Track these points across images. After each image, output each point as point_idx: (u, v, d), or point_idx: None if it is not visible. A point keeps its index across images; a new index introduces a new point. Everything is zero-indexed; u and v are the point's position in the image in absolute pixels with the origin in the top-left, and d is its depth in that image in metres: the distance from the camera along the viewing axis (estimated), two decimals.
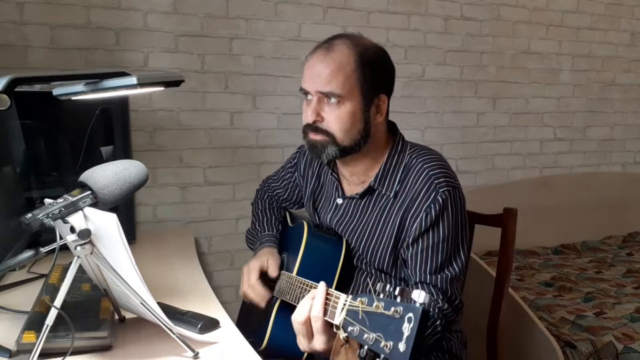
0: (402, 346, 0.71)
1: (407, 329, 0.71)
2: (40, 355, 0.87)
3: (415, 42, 2.47)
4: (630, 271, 2.44)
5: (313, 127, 1.20)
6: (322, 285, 0.92)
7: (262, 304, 1.29)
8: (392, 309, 0.74)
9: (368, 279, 1.30)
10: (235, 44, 2.14)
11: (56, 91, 1.13)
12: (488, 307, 1.55)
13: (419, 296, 0.73)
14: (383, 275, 1.27)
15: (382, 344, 0.73)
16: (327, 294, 0.91)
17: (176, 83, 0.99)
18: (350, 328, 0.80)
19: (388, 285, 0.78)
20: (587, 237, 2.88)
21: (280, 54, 2.20)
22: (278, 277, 1.30)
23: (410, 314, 0.71)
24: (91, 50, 1.94)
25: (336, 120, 1.18)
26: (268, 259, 1.32)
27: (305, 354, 1.20)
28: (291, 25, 2.22)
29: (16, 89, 0.96)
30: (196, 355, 0.95)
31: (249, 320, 1.44)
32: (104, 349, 0.97)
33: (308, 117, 1.20)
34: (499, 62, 2.67)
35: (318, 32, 2.19)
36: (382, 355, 0.73)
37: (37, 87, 1.48)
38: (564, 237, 2.83)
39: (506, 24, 2.66)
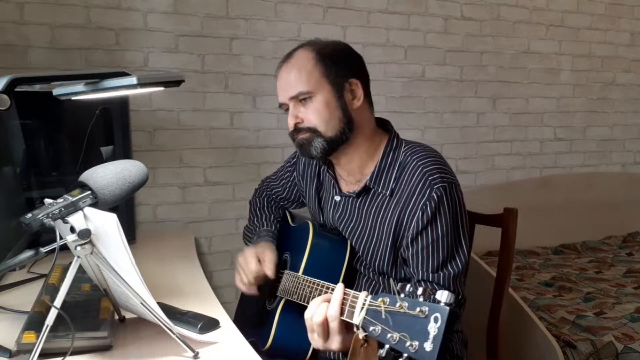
0: (428, 346, 0.71)
1: (433, 328, 0.72)
2: (40, 355, 0.87)
3: (415, 42, 2.47)
4: (630, 271, 2.44)
5: (297, 130, 1.24)
6: (340, 285, 0.93)
7: (271, 275, 1.28)
8: (418, 309, 0.74)
9: (369, 282, 1.30)
10: (235, 44, 2.14)
11: (56, 91, 1.13)
12: (488, 307, 1.55)
13: (442, 296, 0.73)
14: (382, 277, 1.27)
15: (408, 343, 0.74)
16: (344, 293, 0.91)
17: (176, 83, 0.99)
18: (371, 328, 0.80)
19: (408, 285, 0.78)
20: (587, 237, 2.88)
21: (281, 54, 2.15)
22: (280, 276, 1.29)
23: (437, 314, 0.72)
24: (91, 50, 1.94)
25: (313, 114, 1.21)
26: (265, 252, 1.31)
27: (309, 354, 1.20)
28: (291, 26, 2.22)
29: (16, 89, 0.96)
30: (196, 355, 0.95)
31: (248, 318, 1.43)
32: (104, 349, 0.97)
33: (290, 124, 1.24)
34: (499, 62, 2.67)
35: (318, 32, 2.19)
36: (406, 355, 0.73)
37: (37, 87, 1.48)
38: (564, 237, 2.83)
39: (506, 24, 2.66)
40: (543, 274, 2.38)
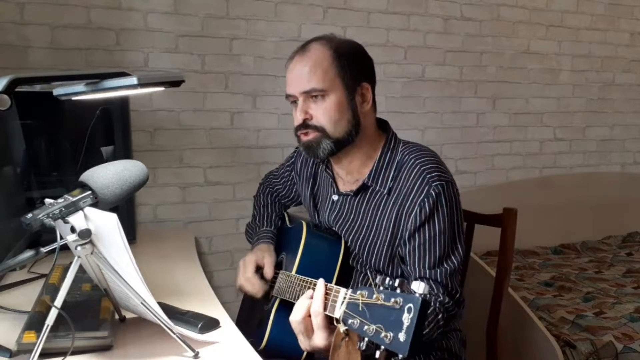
0: (402, 336, 0.72)
1: (407, 319, 0.72)
2: (41, 355, 0.87)
3: (415, 42, 2.47)
4: (630, 271, 2.44)
5: (304, 126, 1.23)
6: (321, 281, 0.93)
7: (259, 295, 1.31)
8: (392, 300, 0.75)
9: (366, 280, 1.30)
10: (235, 44, 2.14)
11: (57, 91, 1.13)
12: (488, 307, 1.56)
13: (419, 287, 0.74)
14: (379, 275, 1.27)
15: (383, 334, 0.74)
16: (327, 289, 0.91)
17: (176, 83, 0.99)
18: (350, 321, 0.81)
19: (388, 279, 0.79)
20: (587, 237, 2.88)
21: (281, 55, 2.20)
22: (275, 276, 1.30)
23: (410, 304, 0.72)
24: (91, 50, 1.94)
25: (324, 113, 1.21)
26: (264, 257, 1.34)
27: (305, 354, 1.20)
28: (291, 26, 2.22)
29: (17, 89, 0.96)
30: (196, 355, 0.96)
31: (249, 320, 1.44)
32: (104, 348, 0.97)
33: (297, 118, 1.24)
34: (499, 62, 2.67)
35: (318, 33, 2.16)
36: (383, 347, 0.74)
37: (37, 87, 1.48)
38: (564, 237, 2.83)
39: (506, 24, 2.67)
40: (543, 274, 2.38)
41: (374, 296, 0.78)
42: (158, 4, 2.02)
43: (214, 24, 2.10)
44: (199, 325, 1.05)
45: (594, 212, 2.88)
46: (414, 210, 1.18)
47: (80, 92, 1.06)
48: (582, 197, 2.86)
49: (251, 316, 1.45)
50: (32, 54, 1.87)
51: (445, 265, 1.17)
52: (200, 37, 2.09)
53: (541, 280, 2.30)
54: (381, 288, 0.78)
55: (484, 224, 1.60)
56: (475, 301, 1.59)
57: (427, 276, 1.16)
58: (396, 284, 0.77)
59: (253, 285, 1.31)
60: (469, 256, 1.70)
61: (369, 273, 1.29)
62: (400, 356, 0.73)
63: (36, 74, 1.33)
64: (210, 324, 1.08)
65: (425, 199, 1.17)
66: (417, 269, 1.17)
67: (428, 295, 0.74)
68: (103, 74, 1.02)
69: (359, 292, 0.81)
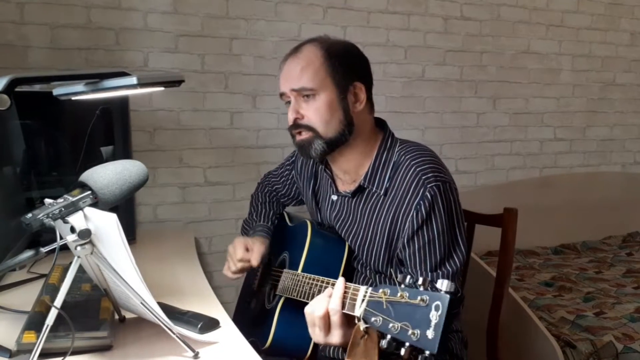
0: (430, 333, 0.73)
1: (434, 316, 0.73)
2: (41, 355, 0.87)
3: (415, 42, 2.47)
4: (630, 271, 2.44)
5: (295, 126, 1.24)
6: (341, 279, 0.93)
7: (255, 263, 1.31)
8: (419, 297, 0.76)
9: (366, 280, 1.30)
10: (235, 44, 2.14)
11: (56, 91, 1.13)
12: (488, 307, 1.56)
13: (443, 284, 0.74)
14: (379, 276, 1.27)
15: (410, 332, 0.75)
16: (345, 287, 0.91)
17: (176, 83, 0.99)
18: (373, 319, 0.81)
19: (408, 277, 0.79)
20: (587, 237, 2.88)
21: (281, 54, 2.16)
22: (278, 275, 1.30)
23: (438, 302, 0.73)
24: (91, 50, 1.94)
25: (314, 113, 1.21)
26: (255, 243, 1.34)
27: (309, 352, 1.21)
28: (291, 26, 2.22)
29: (16, 89, 0.96)
30: (196, 355, 0.95)
31: (246, 319, 1.44)
32: (104, 349, 0.97)
33: (289, 118, 1.24)
34: (499, 62, 2.67)
35: (318, 32, 2.16)
36: (408, 344, 0.75)
37: (37, 87, 1.48)
38: (564, 237, 2.83)
39: (506, 24, 2.66)
40: (543, 274, 2.38)
41: (398, 294, 0.78)
42: (158, 3, 2.01)
43: (214, 24, 2.10)
44: (199, 326, 1.05)
45: (594, 212, 2.88)
46: (411, 213, 1.17)
47: (80, 92, 1.06)
48: (582, 197, 2.86)
49: (250, 314, 1.44)
50: (32, 54, 1.87)
51: (447, 268, 1.16)
52: (200, 37, 2.09)
53: (541, 280, 2.30)
54: (402, 286, 0.79)
55: (484, 224, 1.60)
56: (476, 301, 1.59)
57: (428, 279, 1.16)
58: (419, 281, 0.78)
59: (245, 261, 1.31)
60: (470, 256, 1.70)
61: (369, 274, 1.29)
62: (428, 353, 0.73)
63: (36, 74, 1.33)
64: (210, 324, 1.08)
65: (422, 202, 1.16)
66: (417, 272, 1.17)
67: (454, 292, 0.75)
68: (103, 74, 1.02)
69: (381, 290, 0.82)
